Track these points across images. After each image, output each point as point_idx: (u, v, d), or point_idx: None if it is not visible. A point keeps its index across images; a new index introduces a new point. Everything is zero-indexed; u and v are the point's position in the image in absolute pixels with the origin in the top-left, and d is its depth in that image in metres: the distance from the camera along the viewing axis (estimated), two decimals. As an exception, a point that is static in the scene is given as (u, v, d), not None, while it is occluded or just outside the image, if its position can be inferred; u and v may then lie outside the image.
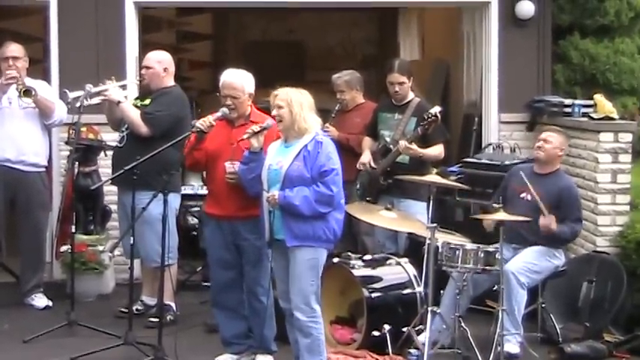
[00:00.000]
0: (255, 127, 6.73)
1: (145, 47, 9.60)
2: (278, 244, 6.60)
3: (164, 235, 7.09)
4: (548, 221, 7.45)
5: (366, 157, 8.46)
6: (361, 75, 9.47)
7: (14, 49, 8.70)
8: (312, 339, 6.56)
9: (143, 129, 8.01)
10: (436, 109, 8.00)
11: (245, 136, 6.72)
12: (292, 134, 6.59)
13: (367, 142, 8.63)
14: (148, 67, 8.24)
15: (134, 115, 8.07)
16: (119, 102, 8.11)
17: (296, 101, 6.52)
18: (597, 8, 10.09)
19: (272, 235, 6.60)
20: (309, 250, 6.51)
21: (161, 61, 8.27)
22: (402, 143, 8.09)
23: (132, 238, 7.49)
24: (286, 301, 6.68)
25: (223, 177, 7.01)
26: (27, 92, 8.46)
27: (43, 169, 8.83)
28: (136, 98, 8.45)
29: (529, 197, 7.62)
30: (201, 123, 6.95)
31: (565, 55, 10.20)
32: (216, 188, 7.14)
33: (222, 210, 7.08)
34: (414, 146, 8.08)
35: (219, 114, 7.05)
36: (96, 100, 8.21)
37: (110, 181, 8.09)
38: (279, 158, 6.58)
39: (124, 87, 8.43)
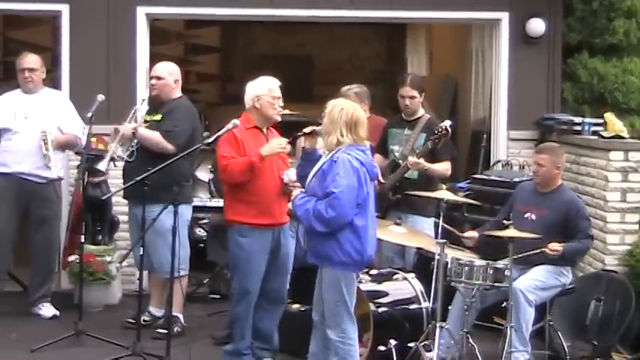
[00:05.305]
0: (307, 130, 6.77)
1: (152, 59, 9.61)
2: None
3: (174, 246, 7.15)
4: (554, 246, 7.42)
5: None
6: (369, 90, 9.49)
7: (31, 60, 8.73)
8: (339, 358, 6.52)
9: (169, 147, 7.96)
10: (447, 123, 8.01)
11: (299, 134, 6.84)
12: (326, 146, 6.58)
13: (377, 159, 8.61)
14: (159, 78, 8.23)
15: (155, 136, 8.06)
16: (135, 132, 8.10)
17: (331, 115, 6.47)
18: (606, 27, 10.09)
19: None
20: (328, 269, 6.49)
21: (172, 72, 8.30)
22: (411, 158, 8.09)
23: (141, 249, 7.51)
24: (315, 313, 6.71)
25: (271, 187, 7.14)
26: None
27: (57, 180, 8.82)
28: (147, 113, 8.44)
29: (533, 217, 7.62)
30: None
31: (573, 73, 10.20)
32: (264, 198, 7.20)
33: (271, 219, 7.21)
34: (422, 160, 8.07)
35: (230, 126, 7.15)
36: (120, 153, 8.19)
37: (122, 194, 8.12)
38: (315, 168, 6.59)
39: (134, 115, 8.33)
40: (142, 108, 8.37)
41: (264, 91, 7.28)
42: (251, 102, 7.30)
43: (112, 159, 8.10)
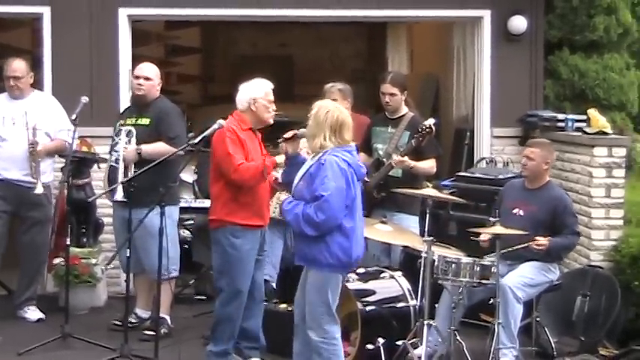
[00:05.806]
0: (288, 135, 6.77)
1: (133, 60, 9.59)
2: None
3: (161, 247, 7.17)
4: (540, 241, 7.46)
5: None
6: (350, 89, 9.50)
7: (16, 67, 8.62)
8: (323, 359, 6.51)
9: (179, 152, 7.88)
10: (431, 121, 8.03)
11: (280, 140, 6.82)
12: (311, 149, 6.57)
13: (361, 157, 8.59)
14: (147, 79, 8.22)
15: (163, 148, 8.01)
16: (139, 151, 8.06)
17: (317, 117, 6.43)
18: (587, 24, 10.14)
19: None
20: (314, 271, 6.48)
21: (158, 74, 8.32)
22: (396, 156, 8.09)
23: (128, 251, 7.49)
24: (296, 314, 6.73)
25: (264, 189, 7.23)
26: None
27: (47, 184, 8.77)
28: (129, 116, 8.34)
29: (521, 213, 7.65)
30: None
31: (554, 70, 10.24)
32: (258, 200, 7.26)
33: (261, 220, 7.30)
34: (406, 159, 8.08)
35: (215, 126, 7.16)
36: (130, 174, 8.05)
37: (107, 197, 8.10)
38: (302, 171, 6.55)
39: (129, 134, 8.22)
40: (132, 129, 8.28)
41: (260, 94, 7.29)
42: (246, 104, 7.28)
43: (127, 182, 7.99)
